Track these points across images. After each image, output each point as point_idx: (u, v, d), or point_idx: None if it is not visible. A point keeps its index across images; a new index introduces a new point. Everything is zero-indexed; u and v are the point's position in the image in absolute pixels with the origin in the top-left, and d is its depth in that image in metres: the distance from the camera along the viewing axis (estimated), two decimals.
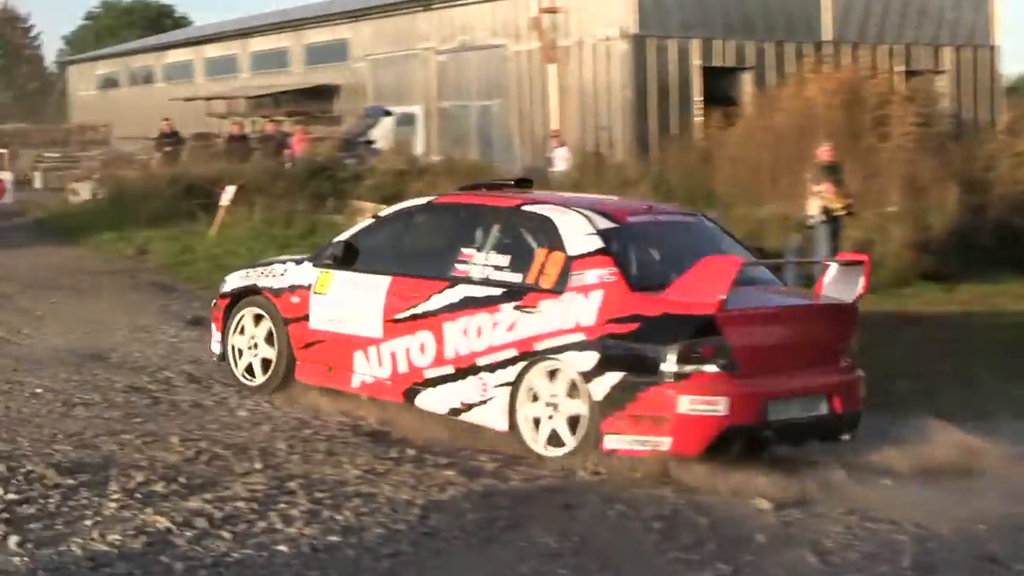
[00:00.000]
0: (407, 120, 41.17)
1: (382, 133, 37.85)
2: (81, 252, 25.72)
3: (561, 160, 31.02)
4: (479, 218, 10.77)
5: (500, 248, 10.46)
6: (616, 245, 10.00)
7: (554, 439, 9.86)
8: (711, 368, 9.31)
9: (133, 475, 8.51)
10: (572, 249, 10.02)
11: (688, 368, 9.28)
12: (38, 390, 11.71)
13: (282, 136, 36.80)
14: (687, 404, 9.26)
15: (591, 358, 9.61)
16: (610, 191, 18.59)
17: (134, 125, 50.81)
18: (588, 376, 9.61)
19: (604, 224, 10.15)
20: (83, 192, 35.71)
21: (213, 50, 56.06)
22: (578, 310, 9.76)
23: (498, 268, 10.36)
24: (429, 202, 11.63)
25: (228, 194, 26.50)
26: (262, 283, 12.08)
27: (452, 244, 10.79)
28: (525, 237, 10.38)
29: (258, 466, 9.14)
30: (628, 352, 9.46)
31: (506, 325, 10.14)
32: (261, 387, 11.98)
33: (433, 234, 11.29)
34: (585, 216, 10.23)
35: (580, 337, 9.70)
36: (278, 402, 11.58)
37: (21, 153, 44.99)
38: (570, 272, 9.92)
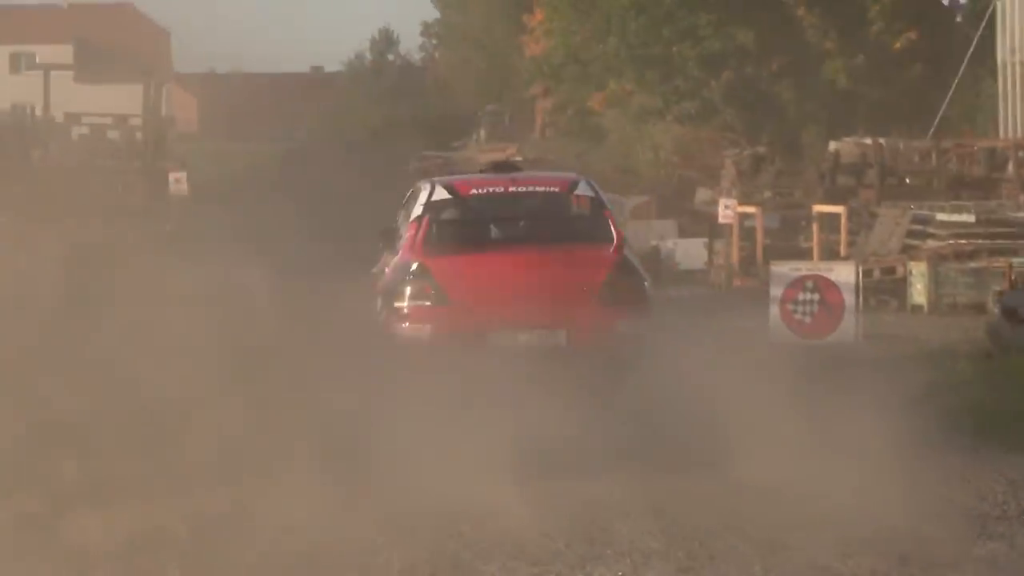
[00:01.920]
0: None
1: None
2: None
3: None
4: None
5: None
6: (435, 213, 12.92)
7: None
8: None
9: None
10: (413, 214, 13.08)
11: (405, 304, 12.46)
12: None
13: None
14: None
15: None
16: None
17: None
18: None
19: (439, 196, 13.06)
20: None
21: None
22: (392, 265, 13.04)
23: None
24: None
25: None
26: None
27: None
28: (409, 204, 13.54)
29: None
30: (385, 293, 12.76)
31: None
32: None
33: None
34: (429, 189, 13.21)
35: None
36: None
37: (877, 212, 21.91)
38: (407, 231, 13.04)
